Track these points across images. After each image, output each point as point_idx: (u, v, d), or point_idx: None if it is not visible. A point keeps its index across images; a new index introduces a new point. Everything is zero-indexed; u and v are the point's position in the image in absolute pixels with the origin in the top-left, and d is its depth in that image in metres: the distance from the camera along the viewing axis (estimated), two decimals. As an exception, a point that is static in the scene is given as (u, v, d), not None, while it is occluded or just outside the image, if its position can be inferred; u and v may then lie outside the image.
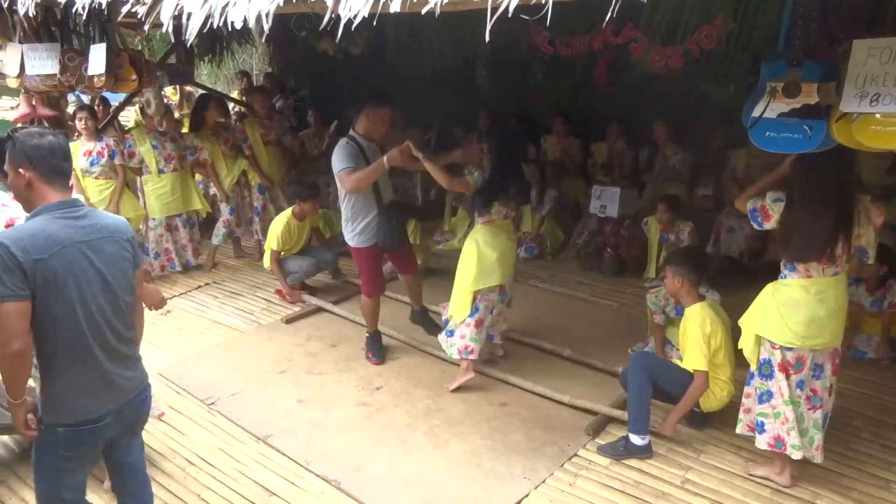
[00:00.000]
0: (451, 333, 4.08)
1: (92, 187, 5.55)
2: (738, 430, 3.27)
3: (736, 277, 5.31)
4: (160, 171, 5.86)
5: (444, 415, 3.86)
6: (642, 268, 5.83)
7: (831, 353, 3.05)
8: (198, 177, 6.75)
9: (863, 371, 4.19)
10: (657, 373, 3.48)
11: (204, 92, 7.88)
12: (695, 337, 3.37)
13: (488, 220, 4.01)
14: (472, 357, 4.02)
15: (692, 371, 3.39)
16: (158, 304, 3.04)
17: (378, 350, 4.54)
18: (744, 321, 3.16)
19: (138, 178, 6.04)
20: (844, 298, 3.02)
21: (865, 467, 3.30)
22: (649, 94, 6.37)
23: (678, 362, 3.63)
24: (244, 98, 8.60)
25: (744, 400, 3.23)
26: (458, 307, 4.03)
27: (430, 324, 4.65)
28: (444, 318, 4.23)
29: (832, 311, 2.95)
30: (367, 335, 4.58)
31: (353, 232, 4.26)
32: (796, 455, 3.03)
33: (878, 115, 2.38)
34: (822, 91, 2.50)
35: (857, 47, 2.37)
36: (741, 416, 3.25)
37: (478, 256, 3.95)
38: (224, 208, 6.36)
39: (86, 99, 8.00)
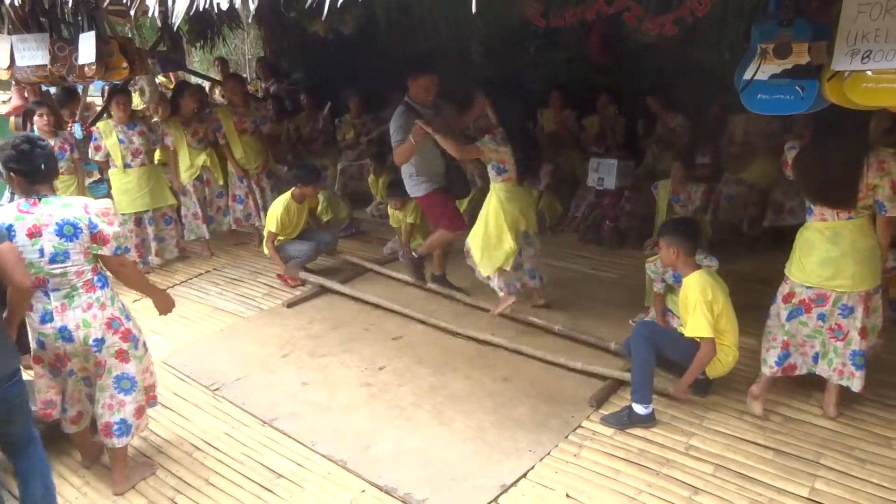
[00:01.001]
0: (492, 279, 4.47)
1: (56, 183, 5.40)
2: None
3: (735, 244, 5.31)
4: (126, 166, 5.63)
5: (448, 392, 3.88)
6: (642, 239, 5.81)
7: (863, 297, 3.16)
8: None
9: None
10: (661, 342, 3.48)
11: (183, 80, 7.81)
12: (697, 305, 3.36)
13: (507, 178, 4.32)
14: (511, 290, 4.49)
15: (698, 339, 3.40)
16: (166, 308, 3.17)
17: (449, 284, 4.99)
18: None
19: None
20: (864, 241, 3.11)
21: (867, 426, 3.31)
22: (645, 63, 6.31)
23: (681, 330, 3.63)
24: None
25: None
26: (498, 262, 4.36)
27: (452, 287, 5.09)
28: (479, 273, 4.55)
29: (846, 252, 3.09)
30: (437, 276, 5.03)
31: (416, 185, 4.69)
32: (764, 369, 3.43)
33: (869, 73, 2.35)
34: (813, 50, 2.48)
35: (847, 4, 2.34)
36: None
37: (502, 212, 4.31)
38: (187, 202, 6.17)
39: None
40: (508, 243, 4.34)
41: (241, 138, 6.14)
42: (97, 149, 5.62)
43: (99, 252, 2.84)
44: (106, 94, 7.93)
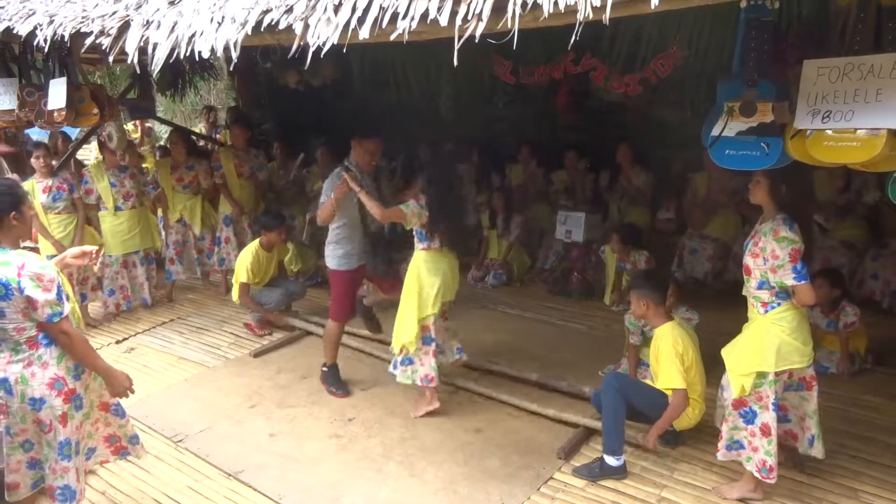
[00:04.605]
0: (411, 361, 4.06)
1: (55, 223, 5.42)
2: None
3: (700, 297, 5.41)
4: (117, 209, 5.74)
5: (419, 443, 3.83)
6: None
7: None
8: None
9: (826, 385, 4.21)
10: (631, 393, 3.49)
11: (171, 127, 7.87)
12: (669, 356, 3.40)
13: (428, 247, 4.04)
14: (432, 385, 4.02)
15: (669, 391, 3.42)
16: (119, 389, 2.89)
17: (340, 383, 4.49)
18: None
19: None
20: None
21: (834, 478, 3.35)
22: (610, 120, 6.51)
23: (651, 382, 3.66)
24: (217, 132, 8.71)
25: None
26: (408, 337, 3.99)
27: (376, 324, 4.92)
28: (391, 348, 4.18)
29: None
30: (325, 369, 4.51)
31: (334, 255, 4.37)
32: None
33: (829, 132, 2.47)
34: (776, 109, 2.60)
35: (807, 67, 2.48)
36: None
37: (419, 285, 4.00)
38: (169, 243, 6.36)
39: (36, 135, 7.85)
40: (413, 320, 3.99)
41: (239, 181, 6.36)
42: (88, 192, 5.67)
43: (34, 315, 2.66)
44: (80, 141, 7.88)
